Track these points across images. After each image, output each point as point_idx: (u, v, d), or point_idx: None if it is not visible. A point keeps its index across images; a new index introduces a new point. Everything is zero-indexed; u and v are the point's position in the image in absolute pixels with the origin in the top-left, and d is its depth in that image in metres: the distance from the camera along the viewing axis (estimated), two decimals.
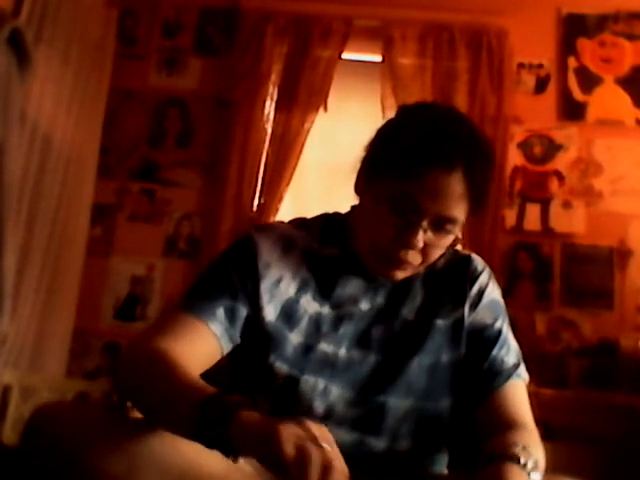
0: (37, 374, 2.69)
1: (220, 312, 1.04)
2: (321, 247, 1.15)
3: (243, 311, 1.07)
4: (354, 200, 1.14)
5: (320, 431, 0.78)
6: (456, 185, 1.01)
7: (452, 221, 1.03)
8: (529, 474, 0.92)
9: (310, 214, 1.23)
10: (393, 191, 1.03)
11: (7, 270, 2.10)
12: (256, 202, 3.10)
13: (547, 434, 1.10)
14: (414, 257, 1.05)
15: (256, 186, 3.11)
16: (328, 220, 1.19)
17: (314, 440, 0.76)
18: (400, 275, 1.08)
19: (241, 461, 0.94)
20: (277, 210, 3.05)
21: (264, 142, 3.14)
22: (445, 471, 1.14)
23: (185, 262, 3.12)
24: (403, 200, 1.02)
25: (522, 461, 0.92)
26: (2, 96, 2.08)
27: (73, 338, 3.01)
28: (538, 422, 1.10)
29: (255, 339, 1.07)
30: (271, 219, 3.02)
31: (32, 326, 2.72)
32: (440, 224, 1.03)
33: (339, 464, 0.75)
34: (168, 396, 0.90)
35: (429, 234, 1.03)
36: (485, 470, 0.93)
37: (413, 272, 1.10)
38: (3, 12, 2.26)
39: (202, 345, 1.02)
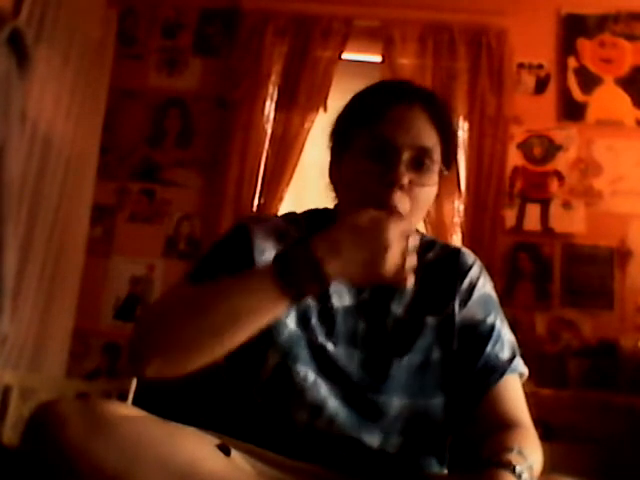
0: (37, 374, 2.69)
1: None
2: None
3: None
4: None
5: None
6: (419, 115, 1.08)
7: (427, 152, 1.07)
8: None
9: None
10: (366, 140, 1.08)
11: (7, 270, 2.10)
12: (256, 202, 3.10)
13: (546, 434, 1.10)
14: (402, 200, 1.05)
15: (256, 186, 3.11)
16: (315, 214, 1.22)
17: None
18: None
19: (241, 460, 0.94)
20: (277, 210, 3.05)
21: (264, 142, 3.14)
22: (443, 471, 1.12)
23: (185, 262, 3.11)
24: (377, 143, 1.07)
25: (518, 470, 0.90)
26: (2, 96, 2.08)
27: (73, 338, 3.01)
28: (537, 422, 1.10)
29: None
30: None
31: (32, 326, 2.72)
32: (418, 160, 1.07)
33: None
34: (231, 286, 0.96)
35: (411, 173, 1.06)
36: (478, 476, 0.91)
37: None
38: (3, 12, 2.26)
39: None
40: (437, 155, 1.08)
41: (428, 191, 1.08)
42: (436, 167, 1.08)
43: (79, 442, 0.82)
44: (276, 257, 0.95)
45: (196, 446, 0.87)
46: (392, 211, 1.03)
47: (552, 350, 2.90)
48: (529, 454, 0.95)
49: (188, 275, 1.10)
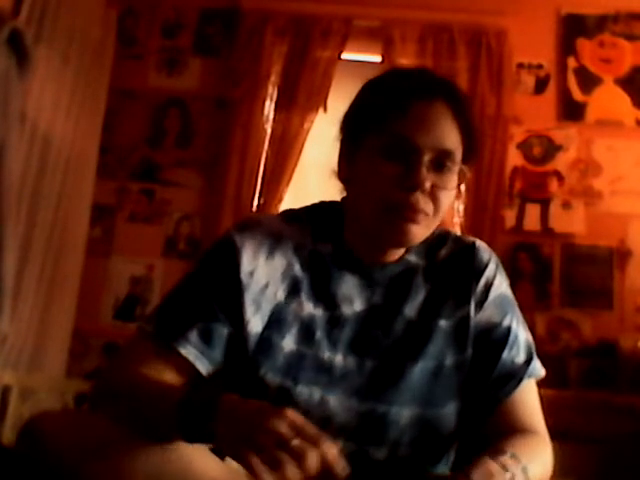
0: (37, 374, 2.68)
1: (193, 335, 0.99)
2: (314, 243, 1.08)
3: (223, 330, 1.01)
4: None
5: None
6: (441, 112, 1.01)
7: (449, 154, 1.01)
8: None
9: None
10: (384, 138, 1.00)
11: (7, 270, 2.10)
12: (256, 202, 3.10)
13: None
14: (425, 203, 0.99)
15: (256, 186, 3.11)
16: (321, 211, 1.13)
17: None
18: (415, 231, 1.01)
19: (236, 463, 0.94)
20: (277, 210, 3.05)
21: (264, 142, 3.14)
22: (446, 469, 1.10)
23: (185, 262, 3.11)
24: (396, 143, 0.99)
25: (509, 472, 0.90)
26: (2, 96, 2.08)
27: (73, 338, 3.01)
28: None
29: (243, 354, 1.01)
30: None
31: (32, 326, 2.72)
32: (440, 161, 1.01)
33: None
34: (147, 405, 0.89)
35: (432, 175, 1.00)
36: (465, 468, 0.90)
37: (426, 230, 1.03)
38: (3, 12, 2.26)
39: (171, 376, 0.98)
40: (459, 156, 1.03)
41: (448, 194, 1.03)
42: (457, 168, 1.03)
43: (73, 455, 0.81)
44: (182, 405, 0.84)
45: (192, 451, 0.85)
46: (414, 214, 0.99)
47: (552, 350, 2.90)
48: (523, 456, 0.94)
49: (157, 317, 1.03)
